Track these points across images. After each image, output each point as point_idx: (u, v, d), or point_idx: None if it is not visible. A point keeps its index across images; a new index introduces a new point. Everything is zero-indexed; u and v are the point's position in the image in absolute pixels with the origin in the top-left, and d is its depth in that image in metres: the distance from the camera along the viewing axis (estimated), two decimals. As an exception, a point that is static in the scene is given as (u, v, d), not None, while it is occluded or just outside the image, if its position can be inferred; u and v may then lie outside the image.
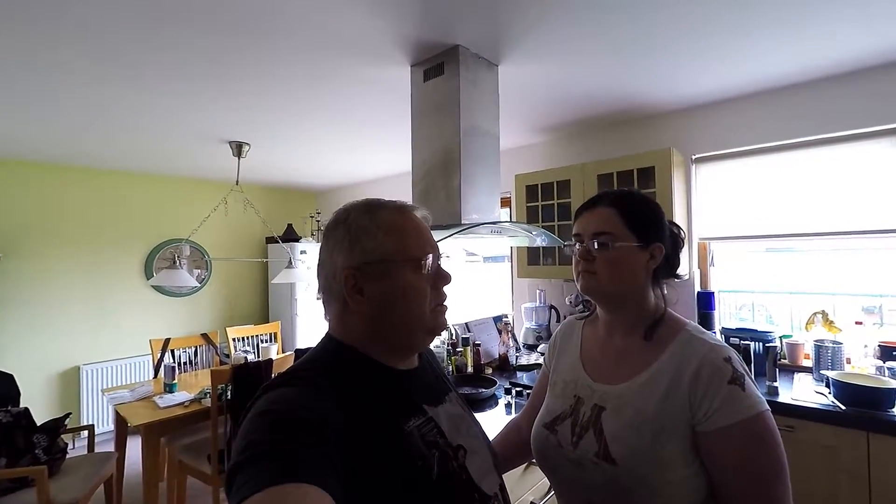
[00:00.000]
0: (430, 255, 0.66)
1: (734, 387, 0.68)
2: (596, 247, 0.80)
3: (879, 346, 1.86)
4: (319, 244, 0.71)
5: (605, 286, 0.80)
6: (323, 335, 0.69)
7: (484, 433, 0.76)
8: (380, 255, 0.63)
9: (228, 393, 2.17)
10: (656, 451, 0.69)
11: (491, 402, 1.85)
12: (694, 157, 2.38)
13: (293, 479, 0.44)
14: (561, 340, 0.97)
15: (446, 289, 0.70)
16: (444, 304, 0.69)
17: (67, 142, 2.78)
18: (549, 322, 2.75)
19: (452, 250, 2.98)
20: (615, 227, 0.79)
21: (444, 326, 0.68)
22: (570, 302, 2.63)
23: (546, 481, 1.50)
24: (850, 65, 1.86)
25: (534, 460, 0.89)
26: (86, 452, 2.38)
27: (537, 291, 2.82)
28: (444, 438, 0.64)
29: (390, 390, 0.63)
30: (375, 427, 0.57)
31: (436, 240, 0.71)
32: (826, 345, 1.89)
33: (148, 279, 3.70)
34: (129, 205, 3.70)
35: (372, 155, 3.26)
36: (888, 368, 1.74)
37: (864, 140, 1.96)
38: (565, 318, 2.76)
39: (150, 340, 3.01)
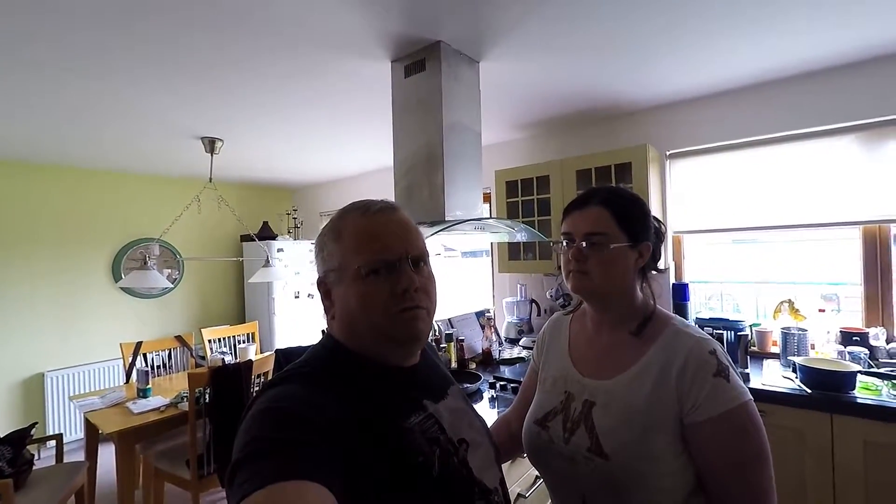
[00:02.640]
0: (380, 260, 0.61)
1: (719, 379, 0.70)
2: (589, 247, 0.79)
3: (841, 331, 1.96)
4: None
5: (597, 286, 0.80)
6: (324, 333, 0.69)
7: (486, 426, 0.76)
8: (335, 263, 0.64)
9: (206, 396, 2.12)
10: (647, 444, 0.71)
11: (476, 396, 1.86)
12: (668, 153, 2.45)
13: (293, 476, 0.44)
14: (549, 337, 0.98)
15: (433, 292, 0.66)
16: (414, 308, 0.62)
17: (31, 138, 2.62)
18: (531, 316, 2.79)
19: (432, 245, 2.97)
20: (609, 227, 0.79)
21: (413, 334, 0.62)
22: (551, 296, 2.67)
23: (532, 473, 1.52)
24: (815, 65, 1.94)
25: (523, 455, 0.90)
26: (54, 463, 2.28)
27: (518, 286, 2.85)
28: (445, 434, 0.64)
29: (390, 387, 0.64)
30: (376, 424, 0.57)
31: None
32: (792, 332, 1.98)
33: (116, 281, 3.55)
34: (95, 203, 3.53)
35: (351, 151, 3.21)
36: (849, 353, 1.84)
37: (827, 136, 2.05)
38: (546, 311, 2.82)
39: (120, 344, 2.89)
